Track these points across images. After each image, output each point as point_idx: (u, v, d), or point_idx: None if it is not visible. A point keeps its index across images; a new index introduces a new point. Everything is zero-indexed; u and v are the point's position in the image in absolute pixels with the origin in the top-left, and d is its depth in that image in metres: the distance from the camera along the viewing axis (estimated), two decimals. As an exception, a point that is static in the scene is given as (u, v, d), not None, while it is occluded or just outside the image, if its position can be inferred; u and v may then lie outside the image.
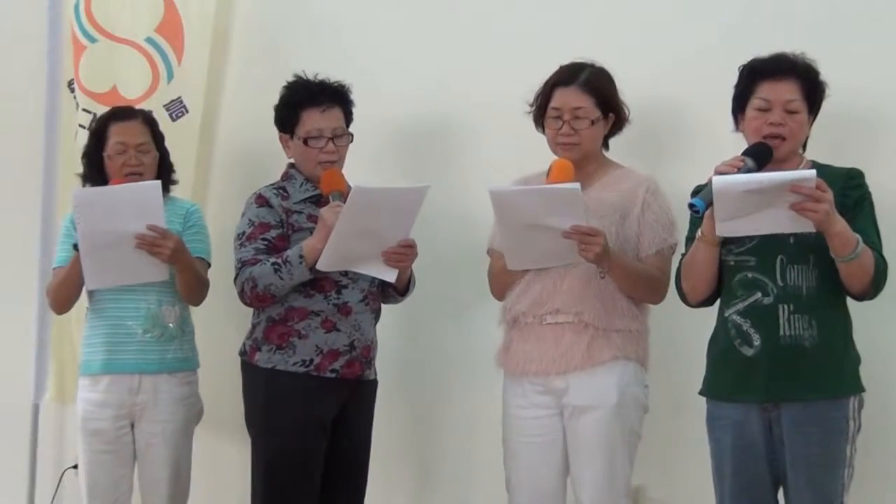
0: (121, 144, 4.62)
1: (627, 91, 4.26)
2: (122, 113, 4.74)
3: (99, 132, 4.69)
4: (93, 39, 5.43)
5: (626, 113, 4.27)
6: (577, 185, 3.92)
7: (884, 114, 4.28)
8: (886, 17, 4.31)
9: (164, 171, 4.74)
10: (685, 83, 4.54)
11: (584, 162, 4.18)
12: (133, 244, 4.37)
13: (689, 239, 3.94)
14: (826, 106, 3.92)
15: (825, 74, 3.88)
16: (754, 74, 3.87)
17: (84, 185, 4.76)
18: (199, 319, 4.81)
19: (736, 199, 3.59)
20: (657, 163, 4.49)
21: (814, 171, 3.58)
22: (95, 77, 5.41)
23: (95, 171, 4.70)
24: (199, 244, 4.69)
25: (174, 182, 4.81)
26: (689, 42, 4.58)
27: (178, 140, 5.00)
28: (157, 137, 4.73)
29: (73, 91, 5.50)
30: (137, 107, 5.03)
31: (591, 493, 4.09)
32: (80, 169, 4.81)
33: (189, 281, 4.60)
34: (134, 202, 4.37)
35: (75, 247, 4.44)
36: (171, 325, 4.65)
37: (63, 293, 4.67)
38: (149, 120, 4.75)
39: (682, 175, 4.25)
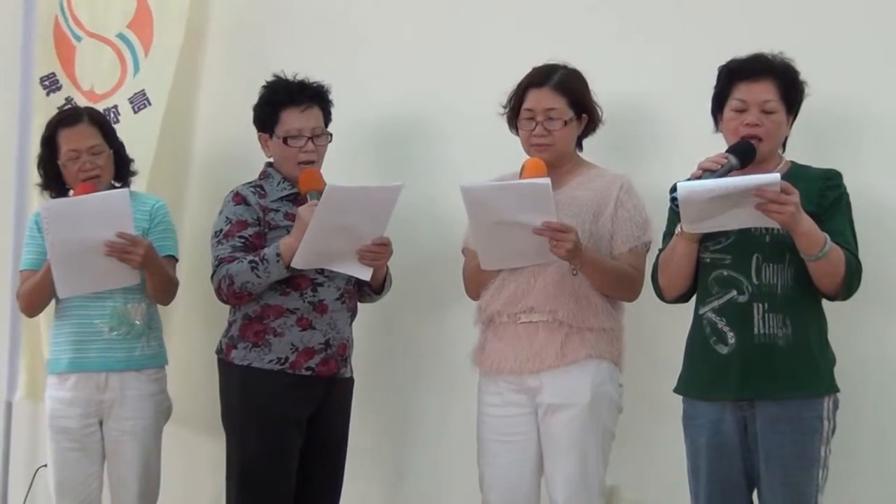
0: (73, 151, 4.60)
1: (600, 92, 4.27)
2: (68, 118, 4.70)
3: (49, 141, 4.67)
4: (78, 38, 5.43)
5: (600, 113, 4.28)
6: (547, 180, 3.93)
7: (865, 114, 4.28)
8: (869, 18, 4.32)
9: (122, 166, 4.73)
10: (659, 84, 4.54)
11: (557, 162, 4.19)
12: (103, 251, 4.36)
13: (667, 234, 3.96)
14: (807, 106, 3.93)
15: (806, 75, 3.90)
16: (731, 75, 3.88)
17: (42, 194, 4.76)
18: (172, 317, 4.81)
19: (702, 204, 3.62)
20: (631, 163, 4.49)
21: (777, 176, 3.59)
22: (84, 76, 5.41)
23: (52, 179, 4.69)
24: (167, 241, 4.69)
25: (133, 173, 4.80)
26: (662, 43, 4.59)
27: (139, 132, 4.98)
28: (108, 134, 4.70)
29: (45, 88, 5.47)
30: (104, 102, 5.04)
31: (564, 492, 4.10)
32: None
33: (159, 283, 4.60)
34: (103, 211, 4.37)
35: None
36: (137, 322, 4.64)
37: (35, 299, 4.66)
38: (96, 119, 4.72)
39: (656, 174, 4.27)
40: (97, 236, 4.35)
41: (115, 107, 5.21)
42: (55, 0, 5.47)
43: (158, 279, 4.59)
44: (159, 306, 4.76)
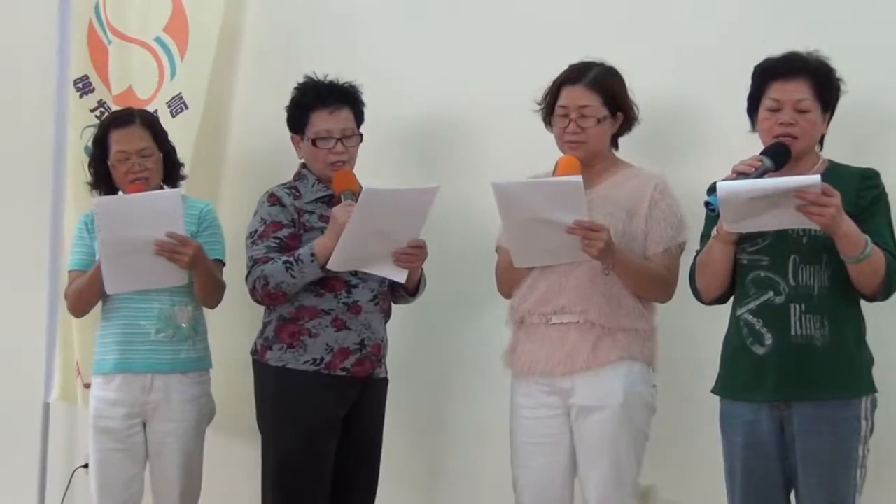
0: (122, 153, 4.62)
1: (638, 90, 4.25)
2: (121, 119, 4.73)
3: (101, 141, 4.69)
4: (109, 40, 5.45)
5: (636, 112, 4.26)
6: (578, 178, 3.92)
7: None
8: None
9: (171, 170, 4.75)
10: (697, 82, 4.54)
11: (591, 160, 4.17)
12: (153, 250, 4.39)
13: (704, 236, 3.94)
14: (844, 105, 3.91)
15: (843, 73, 3.87)
16: (766, 75, 3.87)
17: (91, 193, 4.77)
18: (210, 319, 4.81)
19: (742, 205, 3.60)
20: (668, 162, 4.47)
21: (818, 177, 3.57)
22: (115, 78, 5.43)
23: (102, 179, 4.71)
24: (215, 245, 4.70)
25: (183, 178, 4.82)
26: (701, 41, 4.57)
27: (177, 136, 4.99)
28: (159, 137, 4.72)
29: (79, 91, 5.50)
30: (147, 107, 5.05)
31: (597, 493, 4.09)
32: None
33: (207, 285, 4.62)
34: (154, 210, 4.41)
35: None
36: (183, 325, 4.65)
37: (84, 298, 4.68)
38: (148, 122, 4.74)
39: (694, 174, 4.25)
40: (147, 235, 4.38)
41: (156, 111, 5.22)
42: (90, 2, 5.50)
43: (206, 281, 4.61)
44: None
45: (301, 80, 4.57)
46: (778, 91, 3.82)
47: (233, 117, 5.44)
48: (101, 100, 5.47)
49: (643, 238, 4.13)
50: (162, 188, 4.69)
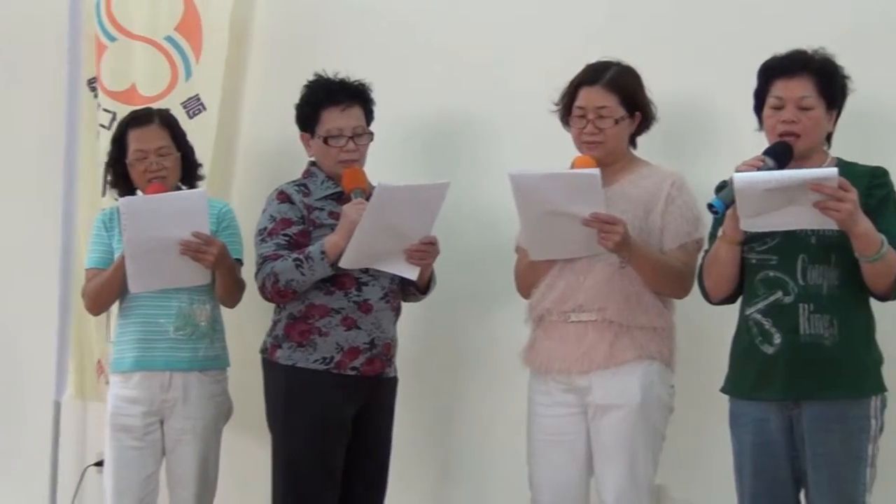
0: (140, 151, 4.63)
1: (654, 89, 4.23)
2: (140, 118, 4.74)
3: (119, 140, 4.71)
4: (112, 38, 5.46)
5: (653, 111, 4.25)
6: (596, 171, 3.92)
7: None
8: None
9: (189, 170, 4.76)
10: (711, 81, 4.52)
11: (609, 160, 4.16)
12: (177, 250, 4.41)
13: (712, 236, 3.93)
14: (853, 102, 3.89)
15: (851, 71, 3.85)
16: (769, 73, 3.86)
17: (105, 192, 4.82)
18: (223, 317, 4.81)
19: (758, 197, 3.58)
20: (684, 160, 4.46)
21: (835, 170, 3.56)
22: (115, 76, 5.43)
23: (120, 178, 4.72)
24: (235, 245, 4.70)
25: (201, 178, 4.83)
26: (715, 39, 4.57)
27: (195, 137, 5.01)
28: (178, 137, 4.74)
29: (93, 90, 5.52)
30: (155, 105, 5.05)
31: (613, 492, 4.08)
32: (100, 167, 4.83)
33: (229, 284, 4.64)
34: (180, 210, 4.44)
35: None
36: (202, 323, 4.66)
37: (104, 296, 4.69)
38: (167, 121, 4.75)
39: (710, 172, 4.20)
40: (173, 234, 4.40)
41: (168, 111, 5.24)
42: (92, 1, 5.51)
43: (228, 280, 4.62)
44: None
45: (311, 78, 4.57)
46: (781, 89, 3.81)
47: (242, 115, 5.44)
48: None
49: (659, 234, 4.13)
50: (179, 188, 4.71)
